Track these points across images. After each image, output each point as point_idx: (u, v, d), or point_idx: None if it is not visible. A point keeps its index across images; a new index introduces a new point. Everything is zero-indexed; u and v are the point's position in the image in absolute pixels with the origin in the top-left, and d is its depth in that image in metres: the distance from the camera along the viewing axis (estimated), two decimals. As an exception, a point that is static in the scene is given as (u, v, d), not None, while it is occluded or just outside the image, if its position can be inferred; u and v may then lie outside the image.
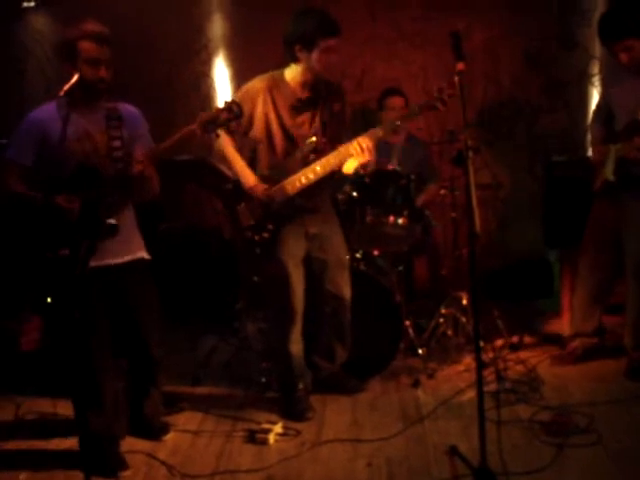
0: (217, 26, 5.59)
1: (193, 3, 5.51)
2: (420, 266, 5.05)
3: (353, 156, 3.54)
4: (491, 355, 4.18)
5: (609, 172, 3.81)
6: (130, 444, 3.50)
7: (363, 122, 4.91)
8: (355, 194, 4.11)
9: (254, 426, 3.63)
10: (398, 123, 3.57)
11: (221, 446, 3.51)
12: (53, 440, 3.62)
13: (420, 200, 4.62)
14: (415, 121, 4.83)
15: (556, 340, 4.50)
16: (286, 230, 3.66)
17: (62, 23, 5.47)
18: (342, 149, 3.55)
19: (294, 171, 3.59)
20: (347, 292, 3.91)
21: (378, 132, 3.55)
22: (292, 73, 3.63)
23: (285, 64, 3.64)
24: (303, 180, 3.58)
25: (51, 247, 2.98)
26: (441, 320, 4.45)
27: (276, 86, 3.63)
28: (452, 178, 4.42)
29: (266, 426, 3.58)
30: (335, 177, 3.76)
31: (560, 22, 5.32)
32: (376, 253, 4.40)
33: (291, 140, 3.64)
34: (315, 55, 3.50)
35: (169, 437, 3.59)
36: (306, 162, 3.59)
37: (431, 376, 4.14)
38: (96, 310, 3.21)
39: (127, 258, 3.30)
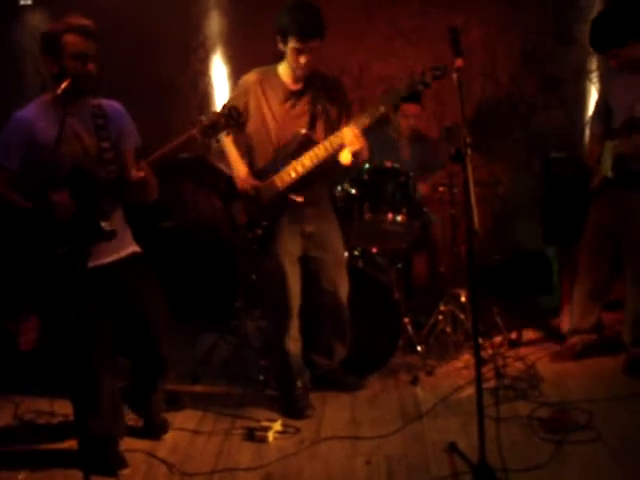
0: (214, 23, 5.57)
1: (191, 1, 5.50)
2: (419, 263, 5.05)
3: (343, 147, 3.53)
4: (490, 352, 4.19)
5: (607, 168, 3.82)
6: (129, 443, 3.49)
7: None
8: (353, 191, 4.11)
9: (253, 424, 3.64)
10: (382, 109, 3.50)
11: (220, 444, 3.51)
12: (52, 439, 3.62)
13: (425, 187, 4.60)
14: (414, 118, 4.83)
15: (558, 336, 4.50)
16: (281, 227, 3.66)
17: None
18: (328, 141, 3.53)
19: (285, 165, 3.59)
20: (345, 290, 3.90)
21: (364, 120, 3.50)
22: (283, 66, 3.63)
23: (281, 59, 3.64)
24: (292, 174, 3.57)
25: (49, 245, 2.96)
26: (440, 317, 4.45)
27: (267, 79, 3.63)
28: (451, 175, 4.41)
29: (265, 424, 3.58)
30: (334, 170, 3.74)
31: (557, 19, 5.31)
32: (374, 250, 4.40)
33: (284, 133, 3.63)
34: (288, 51, 3.51)
35: (168, 435, 3.59)
36: (296, 156, 3.58)
37: (430, 373, 4.14)
38: (95, 310, 3.18)
39: (122, 254, 3.28)
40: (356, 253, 4.25)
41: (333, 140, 3.52)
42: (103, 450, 3.31)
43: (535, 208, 5.21)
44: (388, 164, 4.17)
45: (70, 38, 3.01)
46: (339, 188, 4.15)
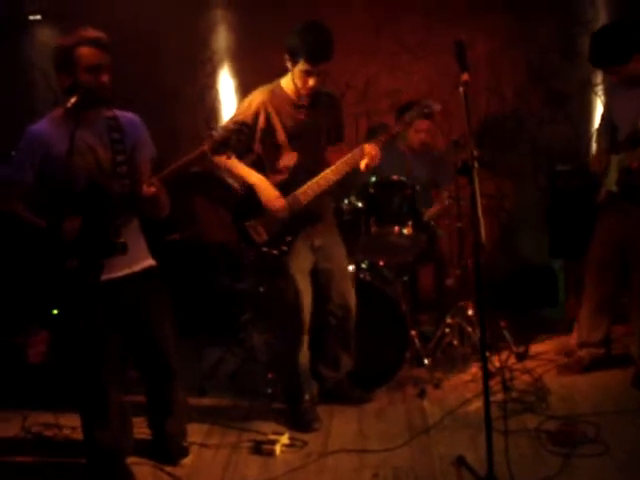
0: (222, 38, 5.61)
1: (198, 16, 5.54)
2: (425, 276, 5.05)
3: (362, 160, 3.61)
4: (497, 365, 4.18)
5: (612, 183, 3.82)
6: (136, 456, 3.49)
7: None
8: (360, 204, 4.13)
9: (260, 437, 3.63)
10: (399, 129, 3.65)
11: (227, 457, 3.51)
12: (59, 453, 3.62)
13: (431, 212, 4.62)
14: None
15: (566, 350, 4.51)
16: (296, 243, 3.68)
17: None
18: (351, 155, 3.60)
19: (304, 180, 3.62)
20: (352, 300, 3.91)
21: (381, 139, 3.62)
22: (287, 80, 3.65)
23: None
24: (316, 188, 3.61)
25: (58, 258, 2.97)
26: (447, 330, 4.44)
27: (276, 96, 3.65)
28: (457, 188, 4.42)
29: (272, 437, 3.58)
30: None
31: (562, 33, 5.33)
32: (381, 263, 4.41)
33: (293, 147, 3.66)
34: (296, 71, 3.53)
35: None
36: (314, 170, 3.62)
37: (437, 386, 4.14)
38: (106, 323, 3.17)
39: (136, 268, 3.23)
40: (363, 266, 4.26)
41: (355, 154, 3.59)
42: (111, 464, 3.30)
43: (541, 221, 5.22)
44: (394, 177, 4.18)
45: (83, 51, 2.97)
46: (346, 201, 4.16)
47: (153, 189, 3.01)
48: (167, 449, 3.49)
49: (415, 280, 4.97)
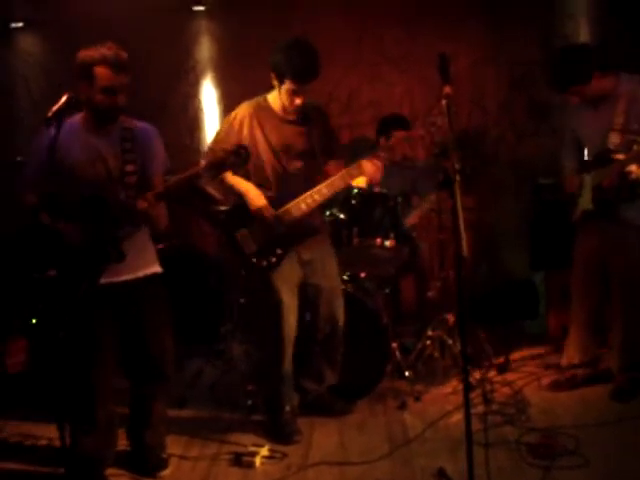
0: (204, 49, 5.61)
1: (182, 26, 5.54)
2: (407, 288, 5.06)
3: (362, 175, 3.62)
4: (478, 377, 4.19)
5: (587, 202, 3.86)
6: (115, 467, 3.45)
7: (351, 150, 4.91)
8: (342, 216, 4.13)
9: (240, 449, 3.61)
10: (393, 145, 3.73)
11: (207, 469, 3.48)
12: (37, 463, 3.58)
13: (414, 218, 4.62)
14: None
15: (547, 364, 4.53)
16: (284, 256, 3.67)
17: (50, 44, 5.51)
18: (346, 171, 3.59)
19: (295, 195, 3.61)
20: (340, 317, 3.90)
21: (382, 154, 3.63)
22: (273, 96, 3.66)
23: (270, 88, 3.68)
24: (310, 202, 3.60)
25: (39, 268, 2.97)
26: (428, 342, 4.44)
27: (261, 109, 3.66)
28: (439, 200, 4.43)
29: (252, 449, 3.56)
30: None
31: (543, 46, 5.37)
32: (363, 275, 4.41)
33: (280, 161, 3.66)
34: (282, 90, 3.54)
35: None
36: (305, 184, 3.62)
37: (418, 398, 4.13)
38: (101, 327, 3.20)
39: (140, 274, 3.27)
40: (345, 277, 4.25)
41: (352, 171, 3.59)
42: (90, 472, 3.27)
43: (522, 234, 5.24)
44: (376, 189, 4.19)
45: (101, 71, 3.00)
46: (327, 213, 4.16)
47: (145, 204, 3.05)
48: (146, 461, 3.46)
49: (397, 292, 4.97)
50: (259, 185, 3.68)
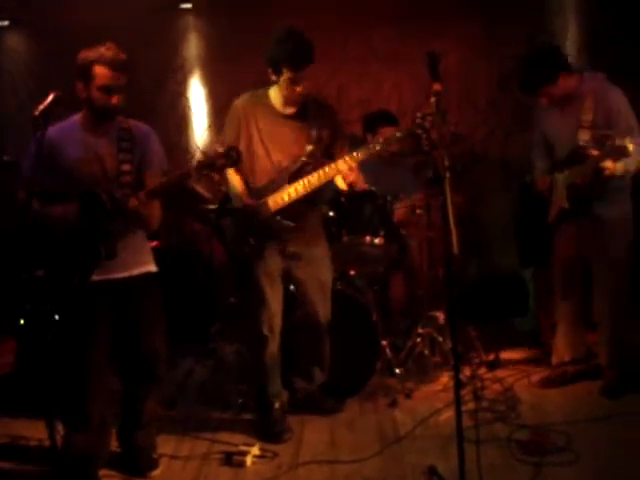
0: (192, 46, 5.59)
1: (169, 23, 5.52)
2: (396, 285, 5.05)
3: (337, 176, 3.59)
4: (468, 374, 4.19)
5: (563, 200, 3.87)
6: (106, 467, 3.43)
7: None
8: (331, 213, 4.12)
9: (231, 448, 3.60)
10: (378, 148, 3.56)
11: (197, 469, 3.47)
12: (28, 463, 3.56)
13: (401, 211, 4.60)
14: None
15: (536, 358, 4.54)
16: (264, 246, 3.66)
17: (36, 42, 5.47)
18: (323, 171, 3.57)
19: (279, 188, 3.61)
20: (325, 315, 3.88)
21: (359, 155, 3.56)
22: (274, 91, 3.67)
23: (261, 84, 3.66)
24: (285, 198, 3.60)
25: (27, 268, 2.96)
26: (418, 339, 4.44)
27: (258, 103, 3.67)
28: (428, 197, 4.43)
29: (243, 448, 3.55)
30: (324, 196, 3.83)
31: (531, 43, 5.37)
32: (352, 273, 4.40)
33: (276, 156, 3.66)
34: (282, 82, 3.55)
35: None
36: (292, 180, 3.61)
37: (408, 396, 4.13)
38: (94, 324, 3.20)
39: (134, 272, 3.28)
40: (334, 275, 4.24)
41: (328, 170, 3.57)
42: (83, 470, 3.26)
43: (511, 231, 5.24)
44: (365, 187, 4.18)
45: (100, 70, 3.06)
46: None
47: (136, 202, 3.08)
48: (137, 461, 3.46)
49: (386, 289, 4.96)
50: (250, 176, 3.68)
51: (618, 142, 3.46)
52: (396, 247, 4.35)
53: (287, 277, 3.79)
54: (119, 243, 3.13)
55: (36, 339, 3.10)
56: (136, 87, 5.25)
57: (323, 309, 3.87)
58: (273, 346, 3.78)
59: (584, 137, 3.75)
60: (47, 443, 2.87)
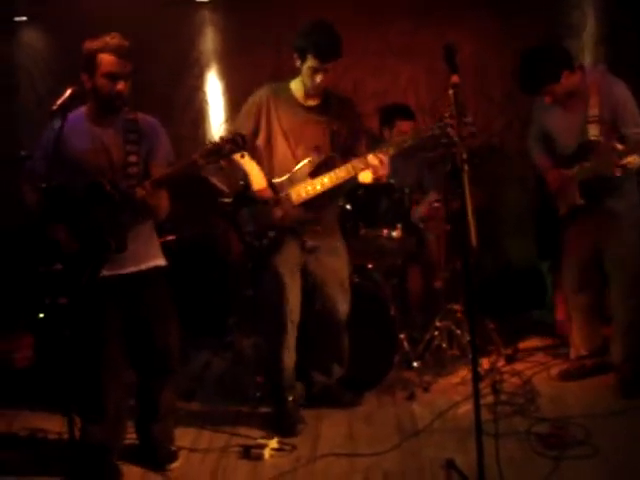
0: (209, 40, 5.59)
1: (185, 17, 5.52)
2: (414, 278, 5.04)
3: (366, 170, 3.57)
4: (486, 367, 4.17)
5: (577, 197, 3.83)
6: (123, 460, 3.45)
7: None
8: (349, 207, 4.12)
9: (249, 441, 3.61)
10: (409, 142, 3.56)
11: (216, 462, 3.49)
12: (48, 455, 3.57)
13: (420, 212, 4.60)
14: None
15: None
16: (283, 240, 3.66)
17: (54, 38, 5.50)
18: (352, 164, 3.56)
19: (300, 181, 3.60)
20: (344, 310, 3.87)
21: (390, 150, 3.56)
22: (296, 82, 3.66)
23: (278, 77, 3.66)
24: (310, 191, 3.59)
25: (44, 262, 2.98)
26: (436, 333, 4.43)
27: (279, 95, 3.66)
28: (446, 190, 4.41)
29: (261, 441, 3.56)
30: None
31: (548, 35, 5.34)
32: (370, 266, 4.39)
33: (297, 149, 3.65)
34: (304, 69, 3.54)
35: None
36: (315, 174, 3.60)
37: (426, 389, 4.13)
38: (106, 318, 3.21)
39: (143, 266, 3.28)
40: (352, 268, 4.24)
41: (356, 164, 3.56)
42: (100, 460, 3.29)
43: (529, 223, 5.21)
44: (383, 180, 4.16)
45: (104, 57, 3.06)
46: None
47: (143, 192, 3.06)
48: (155, 454, 3.47)
49: (404, 282, 4.96)
50: (270, 169, 3.66)
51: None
52: (414, 240, 4.34)
53: (305, 272, 3.78)
54: (129, 235, 3.12)
55: (54, 333, 3.10)
56: (153, 82, 5.33)
57: (341, 304, 3.86)
58: (291, 340, 3.78)
59: (593, 132, 3.71)
60: (66, 436, 2.92)
